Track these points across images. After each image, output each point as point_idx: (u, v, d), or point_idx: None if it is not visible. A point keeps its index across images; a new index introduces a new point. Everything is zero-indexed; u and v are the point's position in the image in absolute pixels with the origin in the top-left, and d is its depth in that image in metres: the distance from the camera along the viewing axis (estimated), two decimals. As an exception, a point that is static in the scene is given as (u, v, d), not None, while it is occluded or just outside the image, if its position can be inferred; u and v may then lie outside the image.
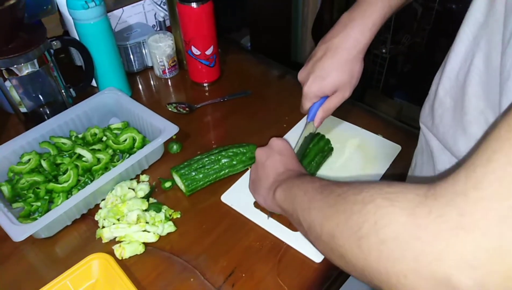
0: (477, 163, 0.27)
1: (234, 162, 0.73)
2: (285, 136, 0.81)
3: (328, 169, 0.74)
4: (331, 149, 0.75)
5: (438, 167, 0.47)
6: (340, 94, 0.61)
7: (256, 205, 0.68)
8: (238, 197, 0.70)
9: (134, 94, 0.95)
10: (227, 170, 0.72)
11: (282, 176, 0.55)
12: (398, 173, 0.73)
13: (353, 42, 0.58)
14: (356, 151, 0.77)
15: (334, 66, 0.59)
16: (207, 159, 0.72)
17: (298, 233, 0.64)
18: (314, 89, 0.61)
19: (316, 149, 0.73)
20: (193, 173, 0.70)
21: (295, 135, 0.80)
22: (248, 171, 0.74)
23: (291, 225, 0.64)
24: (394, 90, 1.79)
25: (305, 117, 0.68)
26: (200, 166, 0.71)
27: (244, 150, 0.74)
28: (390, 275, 0.29)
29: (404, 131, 0.82)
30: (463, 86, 0.40)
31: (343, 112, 0.84)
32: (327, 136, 0.76)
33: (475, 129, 0.39)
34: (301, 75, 0.64)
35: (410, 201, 0.29)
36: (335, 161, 0.75)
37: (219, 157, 0.72)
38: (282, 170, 0.57)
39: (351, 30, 0.57)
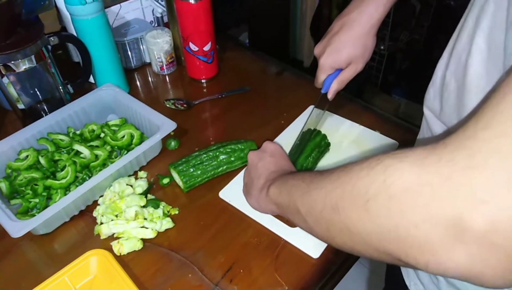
0: (486, 108, 0.26)
1: (232, 159, 0.73)
2: (284, 132, 0.81)
3: (325, 165, 0.74)
4: (328, 144, 0.75)
5: None
6: (354, 66, 0.65)
7: None
8: (236, 193, 0.69)
9: (132, 91, 0.95)
10: (225, 167, 0.72)
11: (274, 174, 0.55)
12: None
13: (367, 17, 0.62)
14: (353, 147, 0.77)
15: (349, 40, 0.63)
16: (205, 155, 0.72)
17: (296, 229, 0.64)
18: (330, 61, 0.65)
19: (313, 144, 0.73)
20: (191, 170, 0.70)
21: (293, 131, 0.80)
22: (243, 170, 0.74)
23: (289, 221, 0.65)
24: (392, 87, 1.79)
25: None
26: (198, 162, 0.71)
27: (242, 147, 0.74)
28: (399, 230, 0.29)
29: (401, 127, 0.82)
30: (465, 66, 0.40)
31: (341, 108, 0.85)
32: (323, 132, 0.76)
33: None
34: (317, 49, 0.67)
35: (419, 154, 0.29)
36: (332, 156, 0.76)
37: (217, 153, 0.72)
38: (274, 169, 0.57)
39: (366, 7, 0.62)
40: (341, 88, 0.68)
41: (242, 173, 0.74)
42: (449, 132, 0.29)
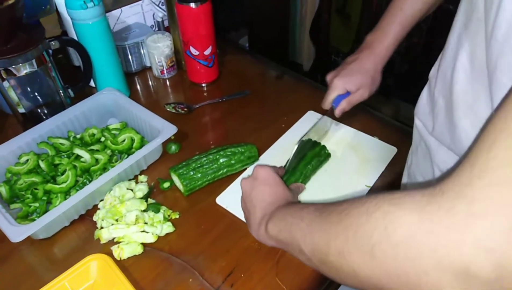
0: (479, 154, 0.27)
1: (232, 161, 0.73)
2: (284, 136, 0.81)
3: (323, 172, 0.74)
4: (328, 155, 0.75)
5: (436, 161, 0.48)
6: (361, 92, 0.72)
7: None
8: (233, 200, 0.69)
9: (132, 95, 0.95)
10: (225, 170, 0.72)
11: (270, 207, 0.54)
12: (394, 175, 0.73)
13: (375, 56, 0.72)
14: (351, 153, 0.77)
15: (360, 70, 0.72)
16: (205, 158, 0.72)
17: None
18: (342, 82, 0.72)
19: (312, 153, 0.73)
20: (191, 173, 0.70)
21: (293, 135, 0.80)
22: (244, 174, 0.74)
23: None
24: (391, 90, 1.79)
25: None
26: (198, 165, 0.71)
27: (242, 150, 0.74)
28: (410, 276, 0.30)
29: (401, 131, 0.82)
30: (450, 84, 0.41)
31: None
32: (322, 138, 0.76)
33: (466, 123, 0.40)
34: (330, 75, 0.74)
35: (418, 201, 0.30)
36: (330, 163, 0.75)
37: (217, 156, 0.72)
38: (270, 200, 0.56)
39: (374, 48, 0.72)
40: (348, 109, 0.73)
41: (239, 179, 0.73)
42: (443, 177, 0.30)
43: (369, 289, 0.35)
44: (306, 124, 0.83)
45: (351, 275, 0.36)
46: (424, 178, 0.53)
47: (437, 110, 0.46)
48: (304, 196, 0.69)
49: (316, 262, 0.41)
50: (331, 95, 0.73)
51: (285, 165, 0.72)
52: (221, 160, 0.72)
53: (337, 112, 0.74)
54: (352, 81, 0.71)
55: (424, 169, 0.52)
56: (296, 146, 0.70)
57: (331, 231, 0.38)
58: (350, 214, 0.36)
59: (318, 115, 0.85)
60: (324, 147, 0.75)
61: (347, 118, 0.83)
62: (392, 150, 0.77)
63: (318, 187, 0.71)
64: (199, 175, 0.70)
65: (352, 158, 0.76)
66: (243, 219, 0.66)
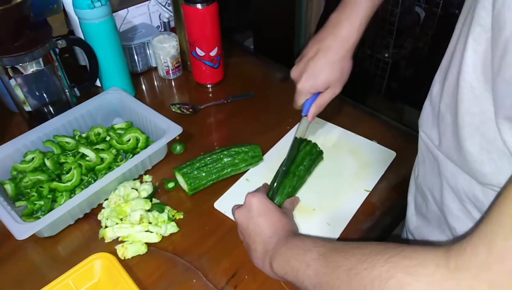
0: (495, 237, 0.28)
1: (236, 161, 0.72)
2: (283, 139, 0.81)
3: (322, 175, 0.74)
4: (320, 152, 0.74)
5: (444, 174, 0.47)
6: (331, 90, 0.64)
7: None
8: (231, 204, 0.67)
9: (138, 95, 0.96)
10: (229, 169, 0.72)
11: (271, 242, 0.54)
12: (394, 180, 0.73)
13: (342, 42, 0.61)
14: (350, 157, 0.77)
15: (326, 65, 0.62)
16: (209, 158, 0.72)
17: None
18: (308, 86, 0.64)
19: (303, 153, 0.72)
20: (196, 172, 0.70)
21: (291, 138, 0.80)
22: (242, 178, 0.74)
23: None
24: (396, 95, 1.79)
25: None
26: (202, 165, 0.71)
27: (246, 149, 0.74)
28: None
29: (402, 135, 0.82)
30: (456, 102, 0.40)
31: (343, 114, 0.85)
32: (320, 142, 0.76)
33: (471, 144, 0.39)
34: (294, 73, 0.66)
35: (433, 274, 0.31)
36: (328, 167, 0.75)
37: (221, 156, 0.72)
38: (269, 233, 0.55)
39: (339, 31, 0.61)
40: (320, 111, 0.67)
41: (237, 184, 0.73)
42: (453, 245, 0.31)
43: None
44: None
45: None
46: (431, 193, 0.52)
47: (444, 126, 0.44)
48: (302, 202, 0.69)
49: None
50: (299, 101, 0.66)
51: (277, 170, 0.72)
52: (225, 160, 0.72)
53: (309, 119, 0.67)
54: (318, 82, 0.63)
55: (432, 181, 0.51)
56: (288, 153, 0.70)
57: (342, 289, 0.38)
58: (360, 276, 0.36)
59: (317, 119, 0.82)
60: (315, 144, 0.74)
61: (350, 120, 0.83)
62: (391, 154, 0.77)
63: (317, 192, 0.71)
64: (203, 174, 0.70)
65: (351, 162, 0.76)
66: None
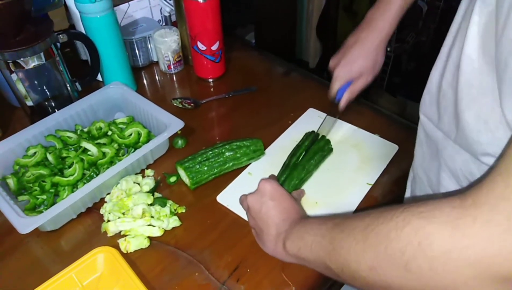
0: (510, 167, 0.28)
1: (238, 155, 0.72)
2: (286, 132, 0.81)
3: (325, 169, 0.74)
4: (331, 149, 0.75)
5: (443, 156, 0.47)
6: (364, 77, 0.72)
7: None
8: (234, 198, 0.68)
9: (139, 89, 0.95)
10: (231, 163, 0.72)
11: (284, 225, 0.54)
12: (396, 173, 0.73)
13: (376, 34, 0.70)
14: (353, 151, 0.77)
15: (361, 54, 0.71)
16: (211, 152, 0.72)
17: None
18: (344, 71, 0.72)
19: (316, 148, 0.73)
20: (197, 166, 0.70)
21: (295, 131, 0.80)
22: (244, 172, 0.74)
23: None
24: (398, 89, 1.78)
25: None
26: (204, 159, 0.71)
27: (248, 143, 0.74)
28: (448, 287, 0.30)
29: (404, 129, 0.81)
30: (457, 77, 0.41)
31: (346, 108, 0.84)
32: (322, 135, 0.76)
33: (469, 115, 0.40)
34: (333, 61, 0.74)
35: (449, 214, 0.30)
36: (331, 160, 0.75)
37: (223, 150, 0.72)
38: (282, 217, 0.55)
39: (375, 25, 0.70)
40: (352, 98, 0.74)
41: (239, 177, 0.73)
42: (469, 187, 0.30)
43: None
44: (308, 121, 0.83)
45: (385, 288, 0.36)
46: (427, 176, 0.52)
47: (445, 103, 0.45)
48: (306, 195, 0.69)
49: (345, 278, 0.42)
50: (335, 87, 0.74)
51: (284, 163, 0.72)
52: (226, 154, 0.72)
53: (342, 104, 0.74)
54: (354, 68, 0.71)
55: (429, 165, 0.52)
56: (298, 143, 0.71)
57: (358, 248, 0.38)
58: (377, 231, 0.36)
59: (319, 112, 0.85)
60: (328, 141, 0.75)
61: (350, 116, 0.83)
62: (393, 148, 0.77)
63: (320, 185, 0.71)
64: (205, 168, 0.70)
65: (353, 156, 0.76)
66: (245, 218, 0.66)
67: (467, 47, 0.38)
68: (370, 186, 0.70)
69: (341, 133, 0.81)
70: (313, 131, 0.76)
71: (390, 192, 0.70)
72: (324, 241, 0.44)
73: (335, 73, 0.73)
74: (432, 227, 0.31)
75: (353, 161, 0.75)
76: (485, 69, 0.37)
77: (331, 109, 0.77)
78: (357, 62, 0.71)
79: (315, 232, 0.46)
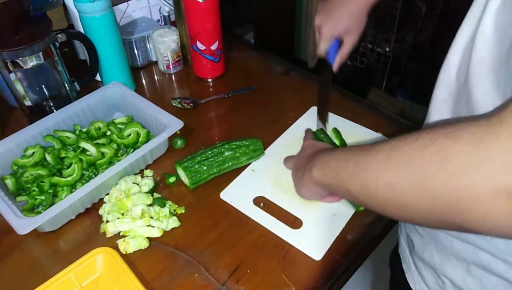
0: None
1: (238, 154, 0.72)
2: (288, 131, 0.81)
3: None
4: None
5: None
6: (350, 38, 0.75)
7: (256, 202, 0.68)
8: (237, 194, 0.69)
9: (138, 89, 0.95)
10: (230, 163, 0.72)
11: (313, 157, 0.55)
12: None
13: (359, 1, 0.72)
14: None
15: (346, 13, 0.73)
16: (210, 152, 0.71)
17: (298, 231, 0.63)
18: (329, 29, 0.74)
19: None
20: (197, 166, 0.70)
21: (296, 131, 0.80)
22: (247, 169, 0.74)
23: (292, 224, 0.64)
24: (397, 89, 1.79)
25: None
26: (204, 158, 0.71)
27: (247, 143, 0.73)
28: (461, 203, 0.30)
29: (406, 129, 0.81)
30: (470, 56, 0.41)
31: (345, 109, 0.84)
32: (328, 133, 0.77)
33: (477, 92, 0.40)
34: (317, 20, 0.76)
35: (474, 132, 0.30)
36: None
37: (222, 150, 0.72)
38: (313, 152, 0.59)
39: None
40: (343, 61, 0.77)
41: (243, 174, 0.73)
42: (495, 110, 0.30)
43: (417, 219, 0.37)
44: (310, 119, 0.83)
45: (400, 207, 0.37)
46: None
47: (460, 84, 0.45)
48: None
49: (363, 199, 0.42)
50: (322, 46, 0.77)
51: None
52: (226, 153, 0.72)
53: (335, 68, 0.78)
54: (339, 26, 0.74)
55: None
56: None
57: (379, 167, 0.38)
58: (402, 150, 0.36)
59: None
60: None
61: (352, 114, 0.83)
62: None
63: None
64: (205, 167, 0.70)
65: None
66: (248, 215, 0.66)
67: (483, 23, 0.39)
68: None
69: (344, 130, 0.80)
70: (321, 131, 0.78)
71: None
72: (348, 164, 0.44)
73: (322, 33, 0.75)
74: (456, 145, 0.31)
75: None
76: (496, 44, 0.37)
77: (322, 70, 0.82)
78: (341, 21, 0.73)
79: (341, 157, 0.47)
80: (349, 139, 0.79)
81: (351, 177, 0.43)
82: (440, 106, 0.49)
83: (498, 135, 0.29)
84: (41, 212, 0.62)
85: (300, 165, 0.60)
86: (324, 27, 0.75)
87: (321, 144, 0.67)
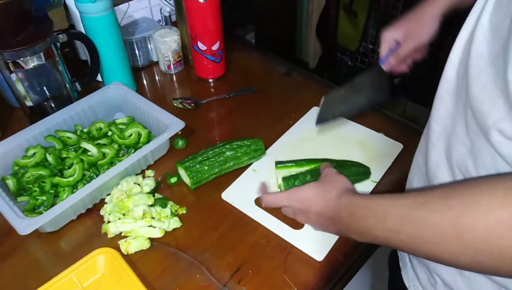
0: None
1: (239, 154, 0.72)
2: (289, 131, 0.81)
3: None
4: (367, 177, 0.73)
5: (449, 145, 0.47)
6: (410, 41, 0.68)
7: (257, 203, 0.68)
8: (239, 195, 0.69)
9: (139, 89, 0.95)
10: (232, 163, 0.72)
11: (347, 190, 0.53)
12: (401, 171, 0.73)
13: (434, 3, 0.67)
14: (358, 149, 0.77)
15: (413, 16, 0.68)
16: (211, 152, 0.71)
17: (300, 232, 0.63)
18: (389, 31, 0.69)
19: (355, 169, 0.71)
20: (198, 166, 0.70)
21: (298, 131, 0.80)
22: (249, 169, 0.74)
23: (294, 224, 0.64)
24: (398, 89, 1.78)
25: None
26: (205, 158, 0.71)
27: (249, 143, 0.73)
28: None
29: (407, 129, 0.81)
30: (469, 50, 0.41)
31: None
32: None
33: (475, 86, 0.40)
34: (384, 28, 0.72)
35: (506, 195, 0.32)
36: (337, 158, 0.74)
37: (223, 149, 0.72)
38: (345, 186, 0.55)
39: (430, 2, 0.67)
40: (397, 62, 0.70)
41: (244, 174, 0.73)
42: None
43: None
44: (311, 120, 0.82)
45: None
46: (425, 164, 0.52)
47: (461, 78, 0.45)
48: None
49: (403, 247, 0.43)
50: (381, 50, 0.70)
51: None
52: (227, 153, 0.72)
53: (385, 68, 0.71)
54: (400, 29, 0.68)
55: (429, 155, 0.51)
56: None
57: (422, 228, 0.39)
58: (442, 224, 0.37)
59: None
60: (368, 171, 0.72)
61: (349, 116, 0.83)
62: (398, 146, 0.77)
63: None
64: (206, 167, 0.70)
65: (359, 154, 0.76)
66: (250, 215, 0.66)
67: (483, 16, 0.39)
68: (376, 183, 0.70)
69: (347, 131, 0.80)
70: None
71: (395, 190, 0.69)
72: (378, 216, 0.44)
73: (382, 35, 0.70)
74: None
75: (359, 159, 0.75)
76: (492, 38, 0.37)
77: (372, 68, 0.73)
78: (406, 23, 0.68)
79: (370, 206, 0.46)
80: (350, 139, 0.78)
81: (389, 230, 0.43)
82: (441, 103, 0.49)
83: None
84: (42, 213, 0.62)
85: (333, 185, 0.55)
86: (386, 30, 0.70)
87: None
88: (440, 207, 0.37)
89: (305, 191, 0.56)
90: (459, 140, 0.45)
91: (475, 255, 0.34)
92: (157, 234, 0.64)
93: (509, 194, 0.32)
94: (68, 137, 0.76)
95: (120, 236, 0.64)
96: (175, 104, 0.89)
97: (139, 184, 0.71)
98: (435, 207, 0.38)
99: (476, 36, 0.39)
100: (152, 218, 0.65)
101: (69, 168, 0.72)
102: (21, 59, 0.74)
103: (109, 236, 0.64)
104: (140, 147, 0.74)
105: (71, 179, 0.69)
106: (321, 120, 0.75)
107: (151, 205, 0.67)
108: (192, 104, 0.89)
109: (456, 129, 0.45)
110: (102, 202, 0.70)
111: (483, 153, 0.40)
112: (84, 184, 0.68)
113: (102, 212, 0.67)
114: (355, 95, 0.75)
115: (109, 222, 0.65)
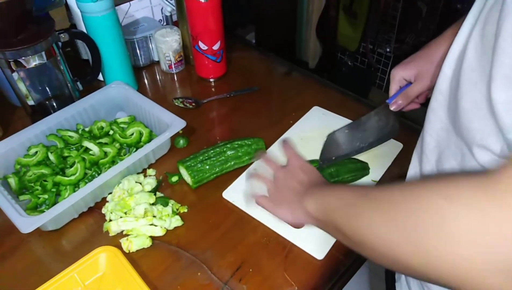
0: None
1: (240, 154, 0.73)
2: (290, 131, 0.81)
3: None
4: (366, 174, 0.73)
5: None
6: (422, 82, 0.63)
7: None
8: (240, 194, 0.69)
9: (140, 89, 0.95)
10: (232, 162, 0.72)
11: (309, 188, 0.53)
12: (401, 170, 0.73)
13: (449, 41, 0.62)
14: None
15: (423, 55, 0.63)
16: (212, 151, 0.72)
17: (300, 230, 0.63)
18: (400, 70, 0.65)
19: (353, 167, 0.71)
20: (199, 165, 0.70)
21: (298, 131, 0.80)
22: (250, 168, 0.74)
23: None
24: (398, 89, 1.79)
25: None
26: (206, 158, 0.71)
27: (249, 142, 0.74)
28: (456, 270, 0.30)
29: (407, 129, 0.82)
30: (461, 64, 0.40)
31: (347, 109, 0.85)
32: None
33: (465, 101, 0.39)
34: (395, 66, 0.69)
35: (473, 195, 0.30)
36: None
37: (224, 149, 0.72)
38: (307, 182, 0.55)
39: (447, 38, 0.62)
40: (406, 102, 0.65)
41: (245, 173, 0.73)
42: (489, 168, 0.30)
43: (411, 275, 0.36)
44: (312, 119, 0.83)
45: (390, 260, 0.36)
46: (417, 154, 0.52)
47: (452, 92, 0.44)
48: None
49: (352, 245, 0.42)
50: (391, 89, 0.67)
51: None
52: (228, 153, 0.72)
53: (392, 107, 0.66)
54: (410, 67, 0.63)
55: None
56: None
57: (377, 220, 0.37)
58: (400, 209, 0.35)
59: (323, 110, 0.85)
60: (366, 167, 0.73)
61: (354, 114, 0.83)
62: (398, 146, 0.77)
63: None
64: (207, 167, 0.70)
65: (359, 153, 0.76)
66: (250, 213, 0.67)
67: (475, 28, 0.38)
68: (375, 183, 0.71)
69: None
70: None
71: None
72: (345, 206, 0.43)
73: (392, 74, 0.66)
74: (456, 209, 0.30)
75: (359, 158, 0.75)
76: (486, 54, 0.36)
77: (379, 108, 0.69)
78: (416, 62, 0.63)
79: (337, 196, 0.46)
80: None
81: (347, 220, 0.42)
82: (435, 115, 0.49)
83: (500, 204, 0.28)
84: (44, 211, 0.62)
85: (293, 188, 0.55)
86: (395, 69, 0.65)
87: (315, 173, 0.58)
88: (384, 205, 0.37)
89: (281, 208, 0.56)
90: (451, 153, 0.45)
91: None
92: (159, 232, 0.64)
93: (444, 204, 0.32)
94: (69, 136, 0.76)
95: (121, 235, 0.65)
96: (176, 104, 0.89)
97: (140, 183, 0.71)
98: (376, 204, 0.38)
99: (468, 48, 0.39)
100: (154, 216, 0.65)
101: (71, 166, 0.72)
102: (23, 58, 0.74)
103: (110, 235, 0.65)
104: (142, 146, 0.75)
105: (72, 177, 0.70)
106: (325, 161, 0.71)
107: (153, 204, 0.67)
108: (193, 104, 0.90)
109: (449, 143, 0.46)
110: (103, 201, 0.70)
111: (472, 168, 0.40)
112: (86, 182, 0.69)
113: (103, 210, 0.68)
114: (360, 133, 0.72)
115: (110, 220, 0.66)
